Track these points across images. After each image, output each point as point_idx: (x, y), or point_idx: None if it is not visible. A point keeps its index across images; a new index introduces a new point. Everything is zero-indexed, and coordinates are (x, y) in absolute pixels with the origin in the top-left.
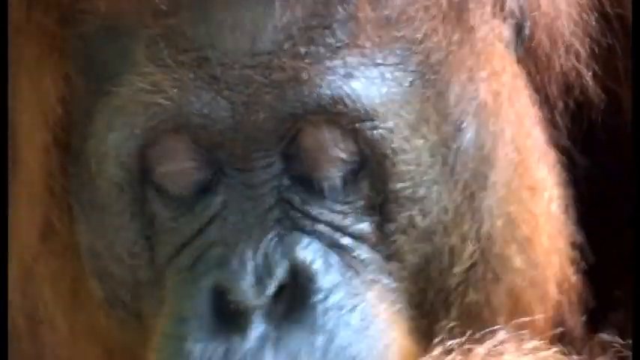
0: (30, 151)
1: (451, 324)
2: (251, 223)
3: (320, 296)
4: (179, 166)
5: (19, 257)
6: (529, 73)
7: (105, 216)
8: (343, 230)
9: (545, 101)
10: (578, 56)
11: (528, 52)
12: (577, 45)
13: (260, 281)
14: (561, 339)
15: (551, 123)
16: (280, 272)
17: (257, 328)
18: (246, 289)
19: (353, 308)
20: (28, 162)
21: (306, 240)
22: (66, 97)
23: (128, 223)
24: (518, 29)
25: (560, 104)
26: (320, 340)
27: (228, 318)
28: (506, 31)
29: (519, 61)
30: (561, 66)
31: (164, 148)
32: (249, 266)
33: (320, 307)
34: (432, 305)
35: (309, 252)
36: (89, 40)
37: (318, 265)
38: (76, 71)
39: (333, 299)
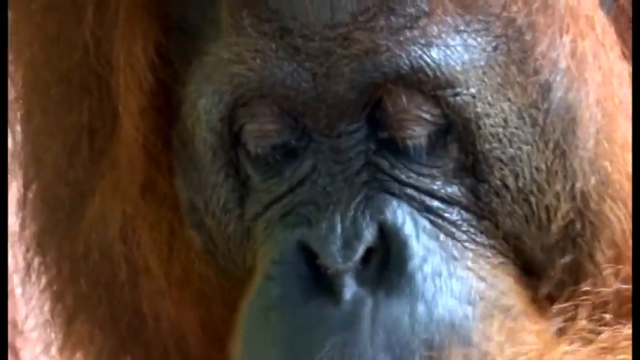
0: (126, 113)
1: (557, 281)
2: (339, 186)
3: (415, 262)
4: (265, 128)
5: (122, 209)
6: (623, 27)
7: (202, 173)
8: (433, 194)
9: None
10: None
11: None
12: None
13: (348, 245)
14: None
15: None
16: (368, 235)
17: (349, 292)
18: (335, 252)
19: (450, 274)
20: (126, 124)
21: (394, 202)
22: (156, 63)
23: (222, 181)
24: None
25: None
26: (421, 309)
27: (318, 277)
28: None
29: (614, 13)
30: None
31: (251, 113)
32: (338, 229)
33: (417, 275)
34: (538, 264)
35: (398, 215)
36: (178, 6)
37: (408, 229)
38: (165, 38)
39: (428, 266)
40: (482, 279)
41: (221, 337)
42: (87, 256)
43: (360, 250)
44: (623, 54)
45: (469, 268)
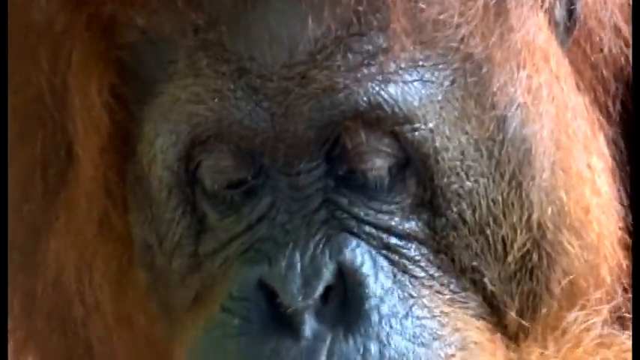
0: (84, 153)
1: (516, 312)
2: (298, 224)
3: (371, 302)
4: (222, 164)
5: (77, 249)
6: (577, 59)
7: (157, 211)
8: (391, 230)
9: (599, 83)
10: (626, 41)
11: (580, 33)
12: (624, 28)
13: (308, 283)
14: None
15: (602, 107)
16: (327, 274)
17: (308, 329)
18: (295, 291)
19: (406, 313)
20: (84, 163)
21: (353, 242)
22: (112, 104)
23: (179, 219)
24: (569, 13)
25: (614, 87)
26: (374, 349)
27: (278, 315)
28: (557, 15)
29: (568, 46)
30: (610, 49)
31: (208, 151)
32: (297, 268)
33: (373, 316)
34: (496, 296)
35: (357, 254)
36: (130, 50)
37: (366, 269)
38: (119, 80)
39: (385, 306)
40: (439, 317)
41: None
42: (42, 291)
43: (320, 289)
44: (578, 86)
45: (426, 306)
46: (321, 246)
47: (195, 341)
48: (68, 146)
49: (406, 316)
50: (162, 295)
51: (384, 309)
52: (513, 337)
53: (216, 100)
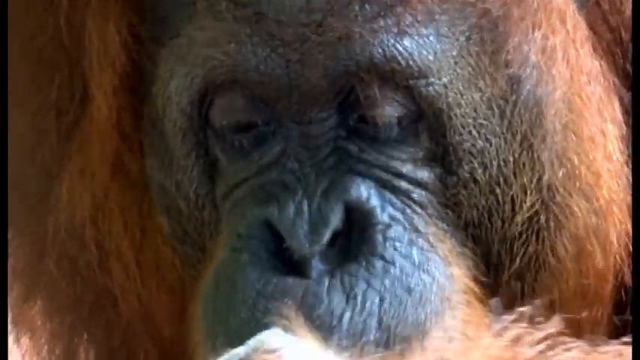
0: (99, 92)
1: (515, 274)
2: (307, 172)
3: (378, 228)
4: (234, 103)
5: (91, 193)
6: (596, 21)
7: (172, 155)
8: (401, 175)
9: (617, 46)
10: None
11: None
12: None
13: (315, 230)
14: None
15: (620, 70)
16: (334, 220)
17: (315, 271)
18: (302, 237)
19: (411, 241)
20: (98, 103)
21: (359, 181)
22: (129, 43)
23: (192, 164)
24: None
25: (631, 49)
26: (377, 264)
27: (284, 255)
28: None
29: (588, 8)
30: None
31: (221, 94)
32: (305, 214)
33: (378, 236)
34: (497, 255)
35: (363, 190)
36: None
37: (374, 201)
38: (138, 19)
39: (391, 232)
40: (442, 259)
41: (187, 325)
42: (54, 236)
43: (327, 235)
44: (595, 50)
45: (430, 243)
46: (328, 191)
47: (206, 282)
48: (83, 92)
49: (411, 244)
50: (194, 239)
51: (390, 233)
52: (505, 303)
53: (232, 44)
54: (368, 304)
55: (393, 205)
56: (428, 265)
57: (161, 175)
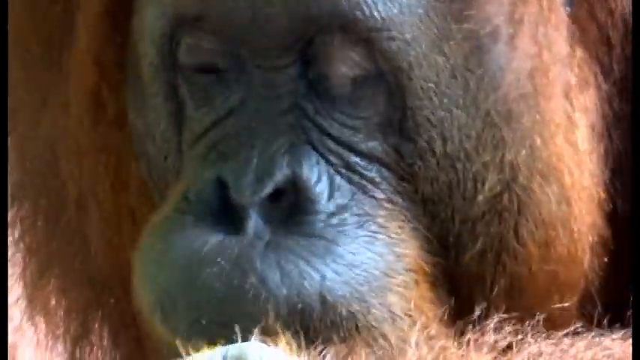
0: (83, 19)
1: (476, 255)
2: (263, 125)
3: (323, 215)
4: (201, 43)
5: (71, 130)
6: (583, 16)
7: (145, 96)
8: (353, 148)
9: (603, 45)
10: None
11: None
12: None
13: (259, 179)
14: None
15: (602, 65)
16: (280, 176)
17: (252, 226)
18: (245, 185)
19: (359, 223)
20: (81, 31)
21: (313, 157)
22: None
23: (162, 104)
24: None
25: (619, 49)
26: (318, 244)
27: (227, 210)
28: None
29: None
30: (622, 12)
31: (189, 30)
32: (253, 164)
33: (322, 221)
34: (457, 235)
35: (314, 171)
36: None
37: (322, 186)
38: None
39: (337, 218)
40: (393, 237)
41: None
42: (63, 211)
43: (269, 187)
44: (574, 38)
45: (381, 225)
46: (281, 150)
47: (145, 239)
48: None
49: (360, 226)
50: (159, 185)
51: (335, 220)
52: (461, 288)
53: None
54: (307, 283)
55: (342, 190)
56: (374, 245)
57: (134, 115)
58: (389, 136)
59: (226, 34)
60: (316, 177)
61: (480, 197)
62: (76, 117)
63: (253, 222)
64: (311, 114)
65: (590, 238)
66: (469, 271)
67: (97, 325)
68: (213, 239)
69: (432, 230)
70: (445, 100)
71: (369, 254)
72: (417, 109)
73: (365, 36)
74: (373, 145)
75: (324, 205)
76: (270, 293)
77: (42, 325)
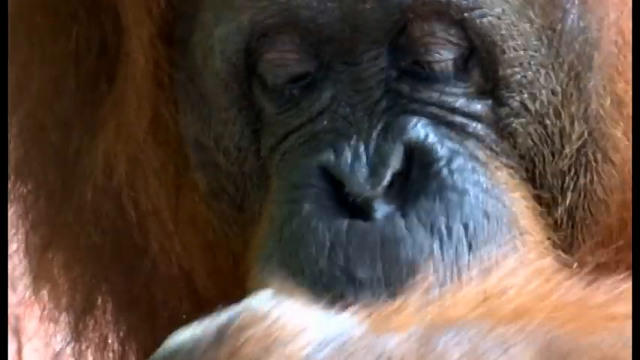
0: (136, 44)
1: (568, 208)
2: (360, 116)
3: (441, 163)
4: (286, 56)
5: (127, 151)
6: None
7: (212, 109)
8: (455, 110)
9: None
10: None
11: None
12: None
13: (375, 172)
14: None
15: None
16: (394, 160)
17: (380, 213)
18: (362, 181)
19: (475, 170)
20: (135, 55)
21: (415, 120)
22: None
23: (235, 116)
24: None
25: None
26: (451, 196)
27: (345, 201)
28: None
29: None
30: None
31: (270, 43)
32: (363, 158)
33: (444, 171)
34: (549, 190)
35: (420, 129)
36: None
37: (432, 139)
38: None
39: (455, 164)
40: (505, 185)
41: (227, 287)
42: (92, 198)
43: (388, 176)
44: None
45: (492, 172)
46: (384, 133)
47: (264, 240)
48: (102, 41)
49: (475, 172)
50: (232, 196)
51: (454, 165)
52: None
53: None
54: (454, 234)
55: (451, 139)
56: (496, 191)
57: (198, 130)
58: (485, 101)
59: (313, 39)
60: (424, 133)
61: (567, 150)
62: (136, 141)
63: (380, 211)
64: (407, 93)
65: None
66: (562, 228)
67: (100, 300)
68: (346, 224)
69: (535, 189)
70: (532, 62)
71: (495, 201)
72: (509, 76)
73: (459, 17)
74: (474, 108)
75: (440, 151)
76: (430, 256)
77: (46, 299)
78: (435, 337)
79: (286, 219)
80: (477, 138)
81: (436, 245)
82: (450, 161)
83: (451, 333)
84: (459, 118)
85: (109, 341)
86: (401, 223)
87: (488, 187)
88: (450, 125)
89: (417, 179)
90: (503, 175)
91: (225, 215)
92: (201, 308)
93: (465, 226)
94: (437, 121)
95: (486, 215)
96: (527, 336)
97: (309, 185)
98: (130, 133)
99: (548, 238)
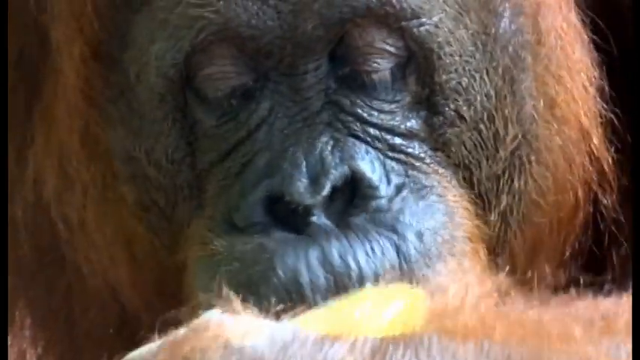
0: (67, 61)
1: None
2: (299, 127)
3: (385, 199)
4: (225, 70)
5: (56, 165)
6: None
7: (144, 122)
8: (394, 130)
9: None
10: None
11: None
12: None
13: (315, 181)
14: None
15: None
16: (336, 173)
17: (318, 222)
18: (302, 189)
19: (420, 196)
20: (66, 72)
21: (362, 147)
22: (102, 9)
23: (168, 129)
24: None
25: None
26: (388, 216)
27: (286, 222)
28: None
29: None
30: None
31: (209, 57)
32: (303, 168)
33: (385, 202)
34: (485, 195)
35: (367, 161)
36: None
37: (379, 173)
38: None
39: (399, 197)
40: (451, 207)
41: (151, 298)
42: (22, 215)
43: (328, 186)
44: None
45: (439, 195)
46: (328, 148)
47: (205, 258)
48: (20, 53)
49: (421, 198)
50: (161, 208)
51: (398, 199)
52: (493, 247)
53: (221, 1)
54: (389, 255)
55: (395, 171)
56: (433, 212)
57: (128, 144)
58: (420, 112)
59: (254, 51)
60: (370, 166)
61: (502, 153)
62: (66, 156)
63: (318, 218)
64: (347, 107)
65: (598, 176)
66: (496, 232)
67: (18, 315)
68: (280, 237)
69: (471, 196)
70: (469, 68)
71: (433, 222)
72: (444, 83)
73: (397, 26)
74: (410, 125)
75: (385, 189)
76: (358, 270)
77: None
78: (385, 350)
79: (229, 241)
80: (418, 159)
81: (371, 263)
82: (393, 197)
83: (401, 348)
84: (398, 140)
85: (28, 356)
86: (338, 236)
87: (425, 210)
88: (392, 150)
89: (356, 203)
90: (440, 192)
91: (154, 227)
92: (126, 320)
93: (398, 248)
94: (380, 150)
95: (420, 237)
96: (485, 354)
97: (249, 219)
98: (60, 147)
99: (483, 243)
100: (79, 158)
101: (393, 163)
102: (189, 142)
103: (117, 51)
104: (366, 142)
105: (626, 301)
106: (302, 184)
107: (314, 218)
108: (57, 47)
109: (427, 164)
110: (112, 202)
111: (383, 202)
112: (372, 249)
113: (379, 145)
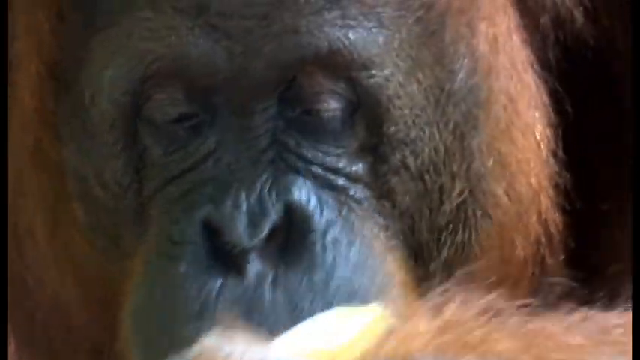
0: (23, 78)
1: (443, 264)
2: (244, 165)
3: (317, 234)
4: (174, 96)
5: (12, 178)
6: (521, 8)
7: (95, 143)
8: (337, 171)
9: (536, 34)
10: None
11: None
12: None
13: (254, 223)
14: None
15: (542, 60)
16: (274, 214)
17: (253, 268)
18: (241, 230)
19: (350, 243)
20: (22, 89)
21: (299, 180)
22: (59, 30)
23: (118, 153)
24: None
25: (552, 37)
26: (319, 275)
27: (222, 254)
28: None
29: None
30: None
31: (159, 85)
32: (243, 208)
33: (318, 244)
34: (427, 245)
35: (303, 192)
36: None
37: (312, 205)
38: (69, 7)
39: (329, 236)
40: (379, 255)
41: (100, 316)
42: None
43: (266, 229)
44: (524, 40)
45: (367, 241)
46: (267, 186)
47: (137, 291)
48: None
49: (350, 245)
50: (108, 229)
51: (328, 238)
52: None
53: (173, 37)
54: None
55: (330, 207)
56: (366, 265)
57: (78, 162)
58: (367, 158)
59: (203, 89)
60: (306, 198)
61: (447, 207)
62: (17, 169)
63: (253, 265)
64: (292, 147)
65: (544, 237)
66: (438, 282)
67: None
68: (217, 284)
69: (409, 243)
70: (418, 121)
71: (363, 278)
72: (392, 134)
73: (346, 74)
74: (356, 169)
75: (317, 221)
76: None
77: None
78: None
79: (161, 277)
80: (357, 202)
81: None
82: (325, 233)
83: None
84: (340, 181)
85: None
86: (269, 288)
87: (360, 261)
88: (332, 188)
89: (293, 245)
90: (378, 241)
91: (102, 246)
92: (74, 336)
93: (329, 305)
94: (319, 184)
95: (354, 294)
96: None
97: (187, 242)
98: (12, 160)
99: (417, 291)
100: (29, 174)
101: (329, 199)
102: (137, 169)
103: (73, 71)
104: (305, 177)
105: (624, 312)
106: (241, 224)
107: (249, 265)
108: (15, 62)
109: (365, 209)
110: (62, 217)
111: (314, 237)
112: (302, 312)
113: (319, 181)
